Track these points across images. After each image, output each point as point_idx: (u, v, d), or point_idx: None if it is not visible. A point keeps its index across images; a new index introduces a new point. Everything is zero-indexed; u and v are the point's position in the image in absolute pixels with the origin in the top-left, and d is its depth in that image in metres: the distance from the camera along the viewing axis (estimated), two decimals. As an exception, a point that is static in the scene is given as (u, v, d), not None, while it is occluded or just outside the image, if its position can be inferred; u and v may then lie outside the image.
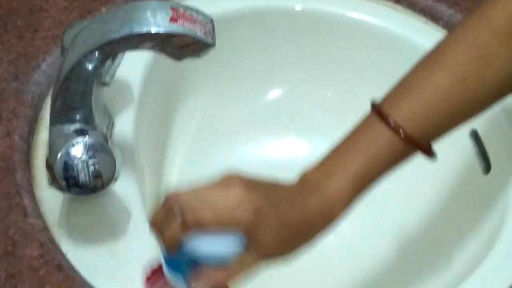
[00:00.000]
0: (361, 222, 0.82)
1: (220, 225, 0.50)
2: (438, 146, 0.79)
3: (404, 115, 0.55)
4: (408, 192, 0.82)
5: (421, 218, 0.81)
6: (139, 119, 0.73)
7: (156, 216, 0.53)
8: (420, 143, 0.55)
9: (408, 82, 0.57)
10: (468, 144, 0.78)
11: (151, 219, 0.53)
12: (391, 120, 0.54)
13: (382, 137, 0.55)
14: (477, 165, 0.77)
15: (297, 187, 0.55)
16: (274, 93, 0.90)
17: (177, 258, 0.52)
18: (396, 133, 0.54)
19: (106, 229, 0.63)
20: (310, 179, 0.55)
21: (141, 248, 0.62)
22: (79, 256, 0.61)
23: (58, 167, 0.58)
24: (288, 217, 0.52)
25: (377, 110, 0.56)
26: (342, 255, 0.81)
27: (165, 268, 0.54)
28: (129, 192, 0.65)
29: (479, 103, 0.57)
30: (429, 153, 0.57)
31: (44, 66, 0.73)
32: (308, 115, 0.90)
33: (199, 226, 0.50)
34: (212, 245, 0.51)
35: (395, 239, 0.81)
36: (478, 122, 0.77)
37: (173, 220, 0.51)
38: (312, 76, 0.88)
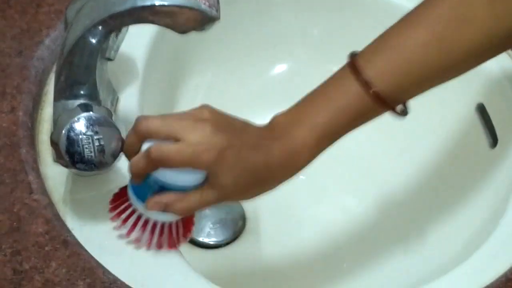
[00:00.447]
0: (359, 190, 0.82)
1: (183, 164, 0.53)
2: (445, 119, 0.79)
3: (376, 71, 0.54)
4: (414, 166, 0.82)
5: (425, 190, 0.81)
6: (143, 94, 0.72)
7: (127, 140, 0.56)
8: (388, 102, 0.54)
9: (385, 38, 0.56)
10: (475, 118, 0.78)
11: (125, 145, 0.57)
12: (362, 75, 0.54)
13: (351, 90, 0.54)
14: (484, 139, 0.77)
15: (264, 131, 0.56)
16: (280, 68, 0.89)
17: (141, 184, 0.56)
18: (365, 89, 0.54)
19: (111, 205, 0.63)
20: (277, 125, 0.56)
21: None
22: (85, 233, 0.61)
23: (63, 143, 0.57)
24: (249, 162, 0.54)
25: (351, 63, 0.55)
26: (337, 220, 0.81)
27: (129, 193, 0.57)
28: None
29: (455, 64, 0.55)
30: (397, 112, 0.56)
31: (47, 41, 0.72)
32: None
33: (163, 163, 0.53)
34: (174, 176, 0.54)
35: (394, 208, 0.81)
36: (485, 96, 0.77)
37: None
38: (317, 51, 0.88)
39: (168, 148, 0.53)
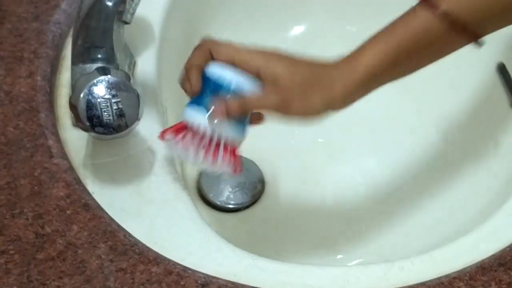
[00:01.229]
0: (378, 151, 0.82)
1: (244, 58, 0.56)
2: (466, 79, 0.78)
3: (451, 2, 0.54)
4: (434, 125, 0.81)
5: (446, 148, 0.80)
6: (160, 57, 0.72)
7: (192, 57, 0.58)
8: (467, 28, 0.54)
9: None
10: (495, 77, 0.77)
11: (187, 61, 0.58)
12: (438, 8, 0.53)
13: (425, 20, 0.54)
14: (505, 98, 0.76)
15: (332, 61, 0.57)
16: (297, 29, 0.88)
17: (201, 94, 0.58)
18: (443, 18, 0.53)
19: (130, 169, 0.63)
20: (344, 55, 0.57)
21: (166, 186, 0.62)
22: (105, 196, 0.61)
23: (81, 106, 0.58)
24: (308, 65, 0.56)
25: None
26: (355, 181, 0.81)
27: (187, 112, 0.58)
28: (153, 131, 0.65)
29: None
30: (475, 38, 0.55)
31: (64, 5, 0.72)
32: (332, 51, 0.87)
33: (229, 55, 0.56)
34: (233, 76, 0.57)
35: (410, 167, 0.81)
36: (506, 56, 0.76)
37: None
38: (336, 12, 0.87)
39: (231, 46, 0.57)
